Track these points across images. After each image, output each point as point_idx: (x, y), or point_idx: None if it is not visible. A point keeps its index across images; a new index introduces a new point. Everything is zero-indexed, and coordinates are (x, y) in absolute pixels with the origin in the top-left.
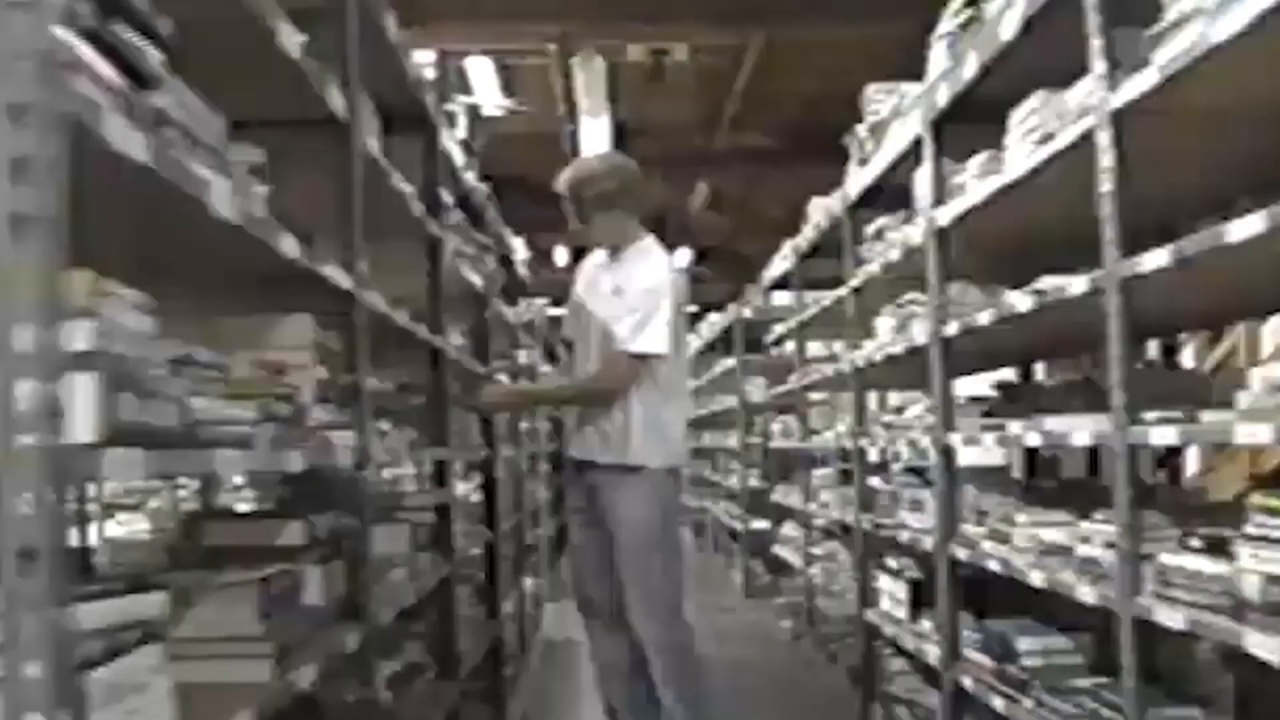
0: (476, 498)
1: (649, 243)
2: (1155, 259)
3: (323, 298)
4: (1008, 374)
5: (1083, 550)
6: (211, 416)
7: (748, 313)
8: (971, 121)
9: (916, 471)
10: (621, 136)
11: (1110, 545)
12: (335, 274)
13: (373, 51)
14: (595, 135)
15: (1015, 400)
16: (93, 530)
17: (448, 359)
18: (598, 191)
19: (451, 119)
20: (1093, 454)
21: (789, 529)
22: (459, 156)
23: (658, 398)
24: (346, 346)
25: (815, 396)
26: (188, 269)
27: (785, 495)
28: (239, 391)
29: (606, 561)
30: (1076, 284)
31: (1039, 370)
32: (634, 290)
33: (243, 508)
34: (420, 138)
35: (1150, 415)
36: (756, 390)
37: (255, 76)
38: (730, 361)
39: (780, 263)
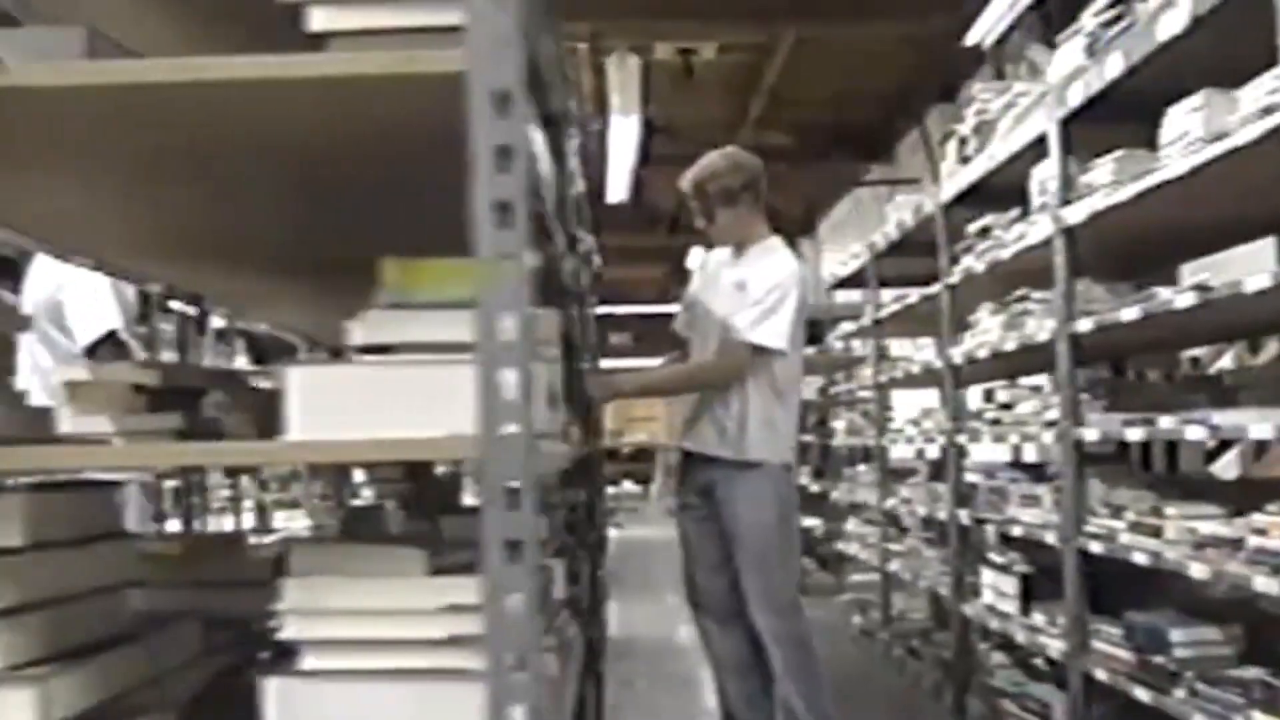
0: None
1: (774, 241)
2: None
3: (541, 293)
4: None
5: (1256, 542)
6: None
7: None
8: (1099, 121)
9: (1022, 466)
10: (649, 135)
11: None
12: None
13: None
14: (624, 134)
15: (1113, 395)
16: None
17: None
18: (721, 187)
19: None
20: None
21: (853, 525)
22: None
23: (772, 396)
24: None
25: (865, 394)
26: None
27: (850, 492)
28: None
29: (722, 556)
30: (1256, 280)
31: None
32: (757, 285)
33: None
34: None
35: None
36: (808, 388)
37: None
38: None
39: (852, 261)
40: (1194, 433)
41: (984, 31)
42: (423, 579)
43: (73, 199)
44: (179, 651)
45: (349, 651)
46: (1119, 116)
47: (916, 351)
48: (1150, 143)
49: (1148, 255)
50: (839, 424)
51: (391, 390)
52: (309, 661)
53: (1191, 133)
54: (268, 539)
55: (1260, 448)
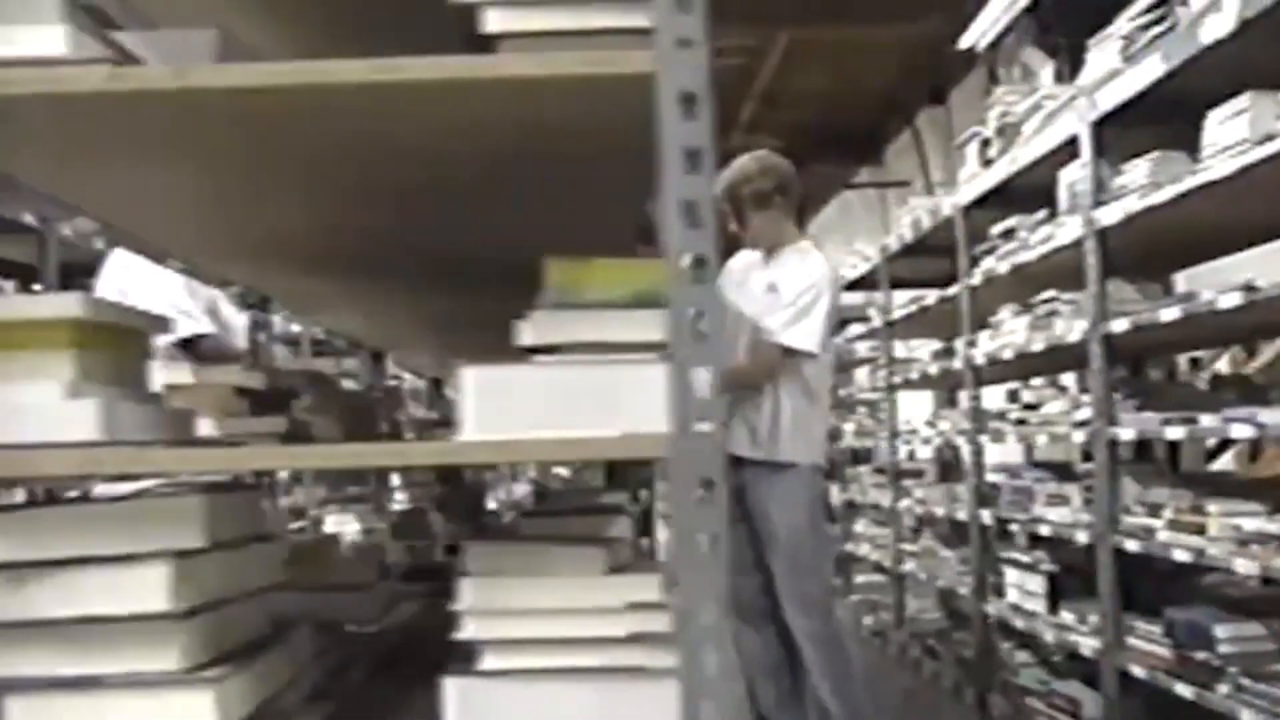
0: None
1: (806, 243)
2: None
3: None
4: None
5: None
6: None
7: None
8: (1129, 123)
9: (1045, 465)
10: None
11: None
12: None
13: None
14: None
15: (1137, 395)
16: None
17: None
18: (754, 190)
19: None
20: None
21: (862, 526)
22: None
23: (803, 397)
24: None
25: (869, 396)
26: None
27: (861, 493)
28: None
29: (754, 558)
30: None
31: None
32: (790, 287)
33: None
34: None
35: None
36: None
37: None
38: None
39: (862, 263)
40: (1239, 431)
41: (978, 35)
42: (603, 577)
43: (187, 199)
44: (301, 653)
45: (529, 651)
46: (1149, 119)
47: (910, 354)
48: (1180, 144)
49: (1172, 257)
50: (848, 426)
51: (567, 389)
52: (489, 661)
53: (1236, 135)
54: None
55: (1254, 448)
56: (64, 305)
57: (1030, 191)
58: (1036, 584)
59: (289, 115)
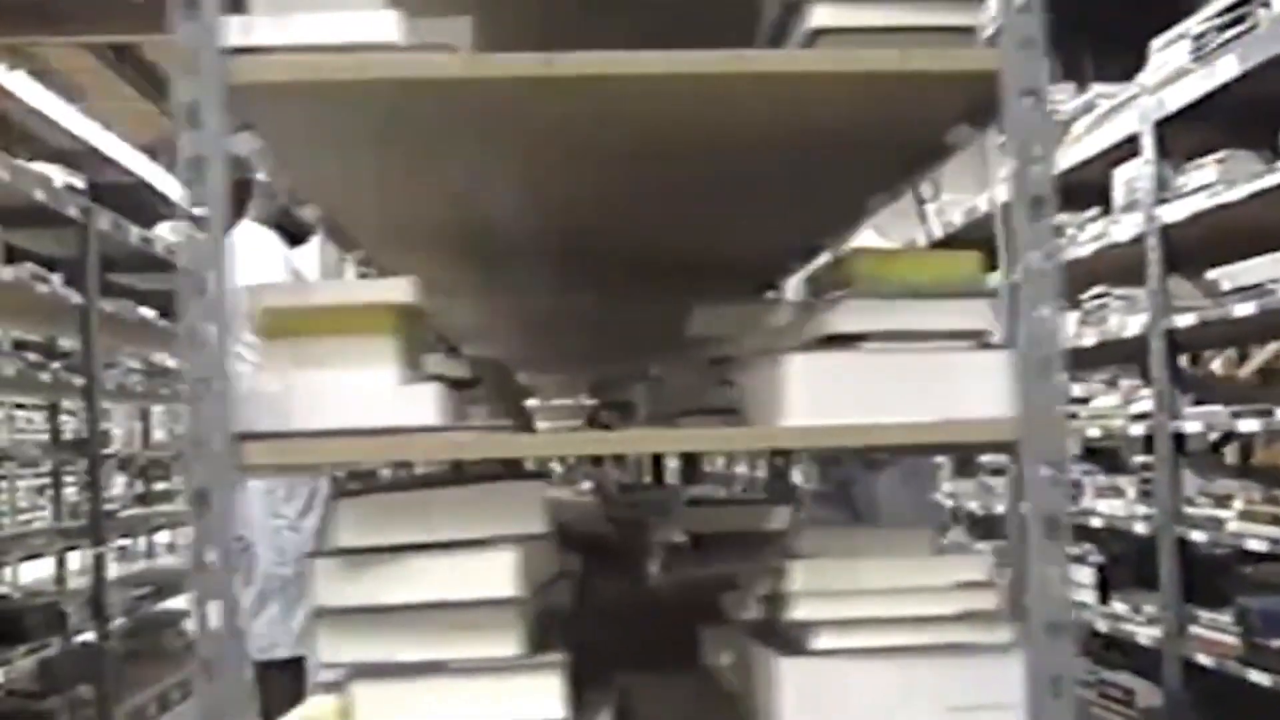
0: None
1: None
2: None
3: None
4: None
5: None
6: None
7: None
8: (1191, 123)
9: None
10: None
11: None
12: None
13: None
14: None
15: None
16: None
17: None
18: None
19: None
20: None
21: None
22: None
23: None
24: None
25: None
26: None
27: None
28: None
29: None
30: None
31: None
32: None
33: None
34: None
35: None
36: None
37: None
38: None
39: None
40: None
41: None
42: (931, 557)
43: (422, 190)
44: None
45: (861, 630)
46: (1212, 119)
47: None
48: (1245, 144)
49: (1221, 255)
50: None
51: (893, 376)
52: (823, 641)
53: None
54: None
55: (1248, 443)
56: (394, 290)
57: (1075, 189)
58: (1085, 575)
59: (632, 103)
